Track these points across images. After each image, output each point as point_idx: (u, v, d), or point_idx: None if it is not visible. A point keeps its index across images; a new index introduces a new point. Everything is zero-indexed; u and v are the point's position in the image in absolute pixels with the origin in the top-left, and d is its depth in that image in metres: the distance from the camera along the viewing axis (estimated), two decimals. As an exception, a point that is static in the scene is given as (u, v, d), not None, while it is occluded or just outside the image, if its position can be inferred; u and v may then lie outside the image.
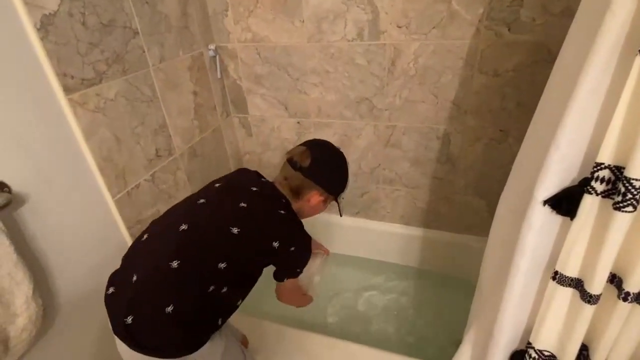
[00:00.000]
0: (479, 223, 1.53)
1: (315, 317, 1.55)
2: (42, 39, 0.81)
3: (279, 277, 0.95)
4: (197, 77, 1.36)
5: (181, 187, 1.32)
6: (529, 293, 0.71)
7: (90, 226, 0.99)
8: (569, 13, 1.03)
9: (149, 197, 1.17)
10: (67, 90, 0.87)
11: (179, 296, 0.74)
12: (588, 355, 0.71)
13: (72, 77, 0.89)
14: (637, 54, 0.47)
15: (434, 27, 1.18)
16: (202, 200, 0.86)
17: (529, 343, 0.73)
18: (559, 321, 0.69)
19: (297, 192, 0.91)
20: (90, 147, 0.95)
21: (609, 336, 0.65)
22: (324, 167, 0.92)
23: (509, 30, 1.11)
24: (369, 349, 1.16)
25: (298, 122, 1.54)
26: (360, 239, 1.77)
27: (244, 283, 0.86)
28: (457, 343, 0.98)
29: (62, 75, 0.86)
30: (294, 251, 0.87)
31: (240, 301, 0.87)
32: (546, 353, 0.73)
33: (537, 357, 0.73)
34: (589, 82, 0.51)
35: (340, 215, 1.05)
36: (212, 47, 1.41)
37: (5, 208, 0.74)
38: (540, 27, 1.08)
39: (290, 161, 0.92)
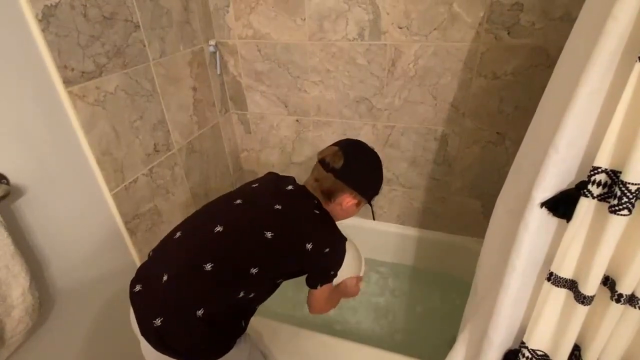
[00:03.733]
0: (474, 224, 1.54)
1: (307, 315, 1.55)
2: (44, 30, 0.80)
3: (312, 283, 0.89)
4: (197, 72, 1.36)
5: (179, 182, 1.32)
6: (524, 293, 0.73)
7: (88, 220, 0.99)
8: (568, 18, 1.04)
9: (146, 192, 1.16)
10: (67, 82, 0.87)
11: (210, 300, 0.73)
12: (580, 355, 0.72)
13: (73, 70, 0.88)
14: (637, 61, 0.48)
15: (434, 29, 1.19)
16: (238, 201, 0.85)
17: (523, 342, 0.75)
18: (552, 321, 0.70)
19: (329, 195, 0.87)
20: (90, 140, 0.94)
21: (601, 337, 0.66)
22: (358, 169, 0.86)
23: (508, 34, 1.12)
24: (363, 347, 1.16)
25: (297, 120, 1.55)
26: (356, 238, 1.77)
27: (271, 290, 0.86)
28: (450, 342, 0.99)
29: (62, 68, 0.85)
30: (328, 253, 0.83)
31: (259, 304, 0.86)
32: (539, 353, 0.74)
33: (530, 356, 0.75)
34: (589, 86, 0.52)
35: (374, 219, 1.01)
36: (212, 42, 1.41)
37: (3, 200, 0.73)
38: (539, 31, 1.09)
39: (322, 162, 0.87)
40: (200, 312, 0.71)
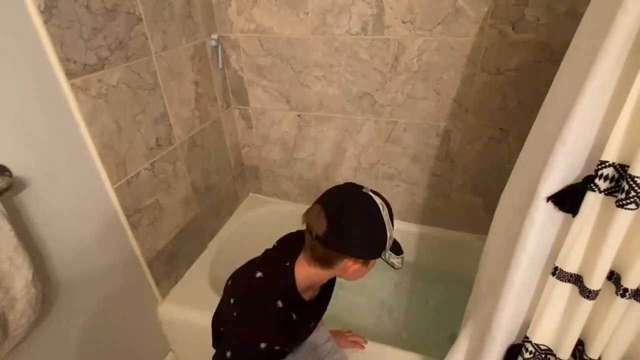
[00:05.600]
0: (475, 221, 1.54)
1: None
2: (46, 22, 0.79)
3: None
4: (198, 66, 1.35)
5: (180, 177, 1.32)
6: (528, 288, 0.73)
7: (90, 213, 0.98)
8: (574, 13, 1.04)
9: (148, 187, 1.16)
10: (69, 75, 0.86)
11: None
12: (583, 350, 0.72)
13: (75, 62, 0.87)
14: (646, 54, 0.48)
15: (438, 24, 1.18)
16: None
17: (526, 337, 0.75)
18: (556, 316, 0.70)
19: (327, 263, 0.74)
20: (92, 133, 0.94)
21: (605, 332, 0.66)
22: (345, 231, 0.69)
23: (513, 29, 1.12)
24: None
25: (299, 116, 1.54)
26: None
27: None
28: (451, 337, 1.00)
29: (64, 60, 0.85)
30: (235, 317, 0.77)
31: None
32: (543, 347, 0.74)
33: (533, 350, 0.75)
34: (598, 79, 0.52)
35: (398, 269, 0.77)
36: (214, 36, 1.40)
37: (6, 192, 0.73)
38: (544, 26, 1.09)
39: (307, 228, 0.74)
40: None
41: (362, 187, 0.73)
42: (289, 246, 0.83)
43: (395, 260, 0.75)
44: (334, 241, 0.70)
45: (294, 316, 0.78)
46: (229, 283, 0.86)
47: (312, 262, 0.76)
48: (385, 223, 0.70)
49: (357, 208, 0.70)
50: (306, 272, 0.77)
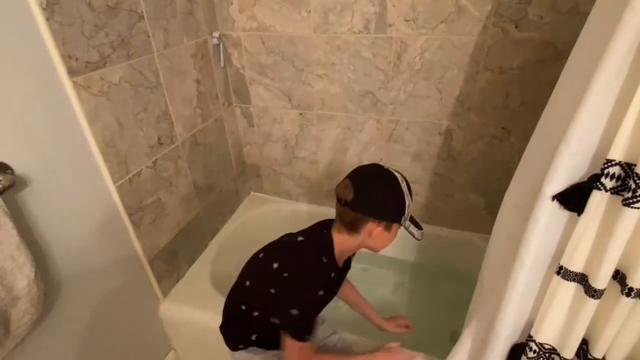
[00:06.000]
0: (477, 220, 1.54)
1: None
2: (48, 19, 0.79)
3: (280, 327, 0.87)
4: (200, 65, 1.34)
5: (182, 175, 1.31)
6: (532, 287, 0.72)
7: (91, 211, 0.98)
8: (577, 12, 1.04)
9: (150, 185, 1.16)
10: (71, 72, 0.86)
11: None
12: (587, 349, 0.72)
13: (77, 60, 0.87)
14: (654, 52, 0.48)
15: (441, 22, 1.18)
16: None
17: (530, 336, 0.74)
18: (561, 315, 0.70)
19: (354, 227, 0.85)
20: (94, 131, 0.94)
21: (610, 331, 0.66)
22: (369, 195, 0.83)
23: (516, 27, 1.12)
24: (365, 340, 1.16)
25: (301, 114, 1.54)
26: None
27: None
28: (453, 336, 0.99)
29: (67, 57, 0.84)
30: (287, 277, 0.85)
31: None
32: (547, 346, 0.74)
33: (537, 350, 0.75)
34: (604, 80, 0.51)
35: (418, 239, 0.90)
36: (216, 35, 1.40)
37: (8, 190, 0.72)
38: (547, 25, 1.08)
39: (337, 197, 0.87)
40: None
41: (383, 165, 0.88)
42: (321, 224, 0.95)
43: (414, 231, 0.87)
44: (360, 203, 0.82)
45: (332, 275, 0.89)
46: (261, 256, 0.95)
47: (341, 229, 0.87)
48: (404, 192, 0.83)
49: (379, 178, 0.84)
50: (338, 239, 0.88)
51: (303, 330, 0.83)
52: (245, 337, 0.96)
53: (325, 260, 0.86)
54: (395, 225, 0.86)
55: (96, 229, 1.00)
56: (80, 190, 0.94)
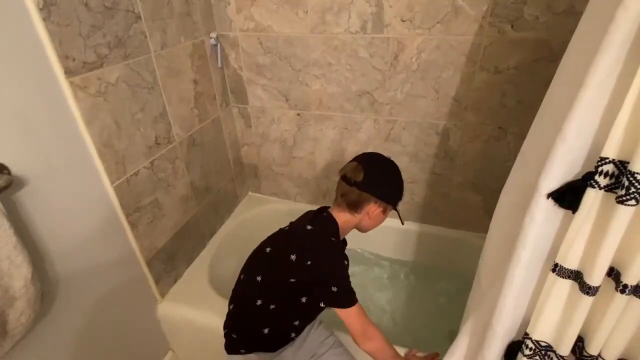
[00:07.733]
0: (475, 219, 1.55)
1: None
2: (45, 19, 0.79)
3: (329, 304, 0.92)
4: (197, 65, 1.35)
5: (179, 176, 1.31)
6: (529, 285, 0.73)
7: (89, 212, 0.98)
8: (572, 12, 1.04)
9: (147, 185, 1.16)
10: (68, 73, 0.86)
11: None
12: (583, 346, 0.72)
13: (74, 60, 0.87)
14: (647, 50, 0.48)
15: (438, 22, 1.18)
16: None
17: (526, 334, 0.75)
18: (557, 312, 0.70)
19: (356, 207, 0.94)
20: (91, 132, 0.94)
21: (605, 328, 0.67)
22: (378, 178, 0.94)
23: (512, 27, 1.12)
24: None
25: (298, 114, 1.54)
26: (356, 232, 1.78)
27: (294, 306, 0.95)
28: (450, 335, 1.00)
29: (63, 58, 0.84)
30: (310, 265, 0.87)
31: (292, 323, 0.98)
32: (543, 343, 0.74)
33: (533, 347, 0.75)
34: (598, 76, 0.52)
35: (402, 223, 1.06)
36: (213, 35, 1.40)
37: (5, 190, 0.72)
38: (543, 25, 1.09)
39: (344, 178, 0.95)
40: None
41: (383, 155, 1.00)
42: (316, 212, 1.00)
43: (401, 215, 1.01)
44: (369, 184, 0.91)
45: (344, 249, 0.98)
46: (268, 250, 0.98)
47: (343, 208, 0.96)
48: (403, 181, 0.98)
49: (386, 164, 0.98)
50: (340, 219, 0.96)
51: (348, 297, 0.89)
52: (256, 333, 0.95)
53: (334, 239, 0.94)
54: (389, 209, 0.97)
55: (93, 230, 1.00)
56: (77, 190, 0.94)
